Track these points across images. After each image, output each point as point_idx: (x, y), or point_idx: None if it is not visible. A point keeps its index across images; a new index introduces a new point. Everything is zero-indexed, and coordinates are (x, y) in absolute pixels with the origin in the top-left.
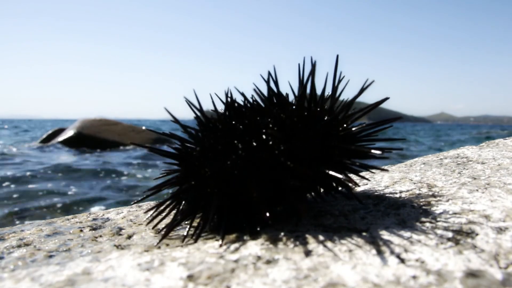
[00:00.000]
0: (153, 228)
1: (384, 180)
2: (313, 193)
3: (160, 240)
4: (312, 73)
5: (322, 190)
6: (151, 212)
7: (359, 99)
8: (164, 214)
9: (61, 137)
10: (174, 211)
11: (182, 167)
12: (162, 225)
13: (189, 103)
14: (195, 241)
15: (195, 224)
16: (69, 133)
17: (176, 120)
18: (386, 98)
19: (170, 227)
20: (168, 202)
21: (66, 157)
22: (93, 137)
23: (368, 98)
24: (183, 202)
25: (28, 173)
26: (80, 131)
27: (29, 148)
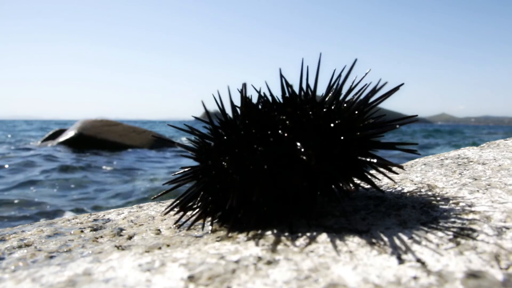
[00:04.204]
0: (174, 223)
1: (385, 180)
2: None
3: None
4: (315, 74)
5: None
6: (171, 206)
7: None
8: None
9: (62, 138)
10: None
11: (201, 161)
12: (183, 218)
13: (216, 100)
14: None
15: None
16: (70, 133)
17: (208, 116)
18: (401, 84)
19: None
20: (186, 196)
21: (68, 158)
22: (94, 138)
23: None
24: (202, 194)
25: (31, 174)
26: (81, 132)
27: (30, 149)
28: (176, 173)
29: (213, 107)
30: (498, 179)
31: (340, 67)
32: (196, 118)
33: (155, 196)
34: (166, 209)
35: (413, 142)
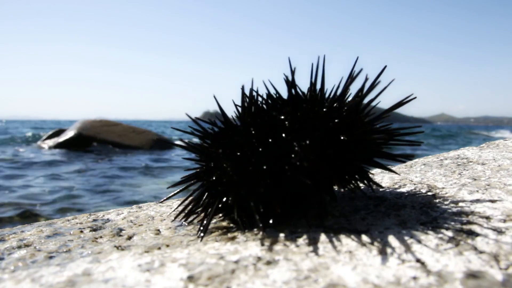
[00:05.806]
0: (184, 220)
1: (384, 181)
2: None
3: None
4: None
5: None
6: (180, 206)
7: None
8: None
9: (62, 138)
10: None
11: (205, 163)
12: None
13: (217, 102)
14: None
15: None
16: (69, 134)
17: (194, 121)
18: (413, 98)
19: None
20: (192, 197)
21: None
22: (93, 138)
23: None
24: (206, 195)
25: (34, 175)
26: (80, 132)
27: (31, 150)
28: (183, 176)
29: (213, 107)
30: (497, 179)
31: (341, 67)
32: (196, 119)
33: (163, 199)
34: (172, 212)
35: (417, 132)
